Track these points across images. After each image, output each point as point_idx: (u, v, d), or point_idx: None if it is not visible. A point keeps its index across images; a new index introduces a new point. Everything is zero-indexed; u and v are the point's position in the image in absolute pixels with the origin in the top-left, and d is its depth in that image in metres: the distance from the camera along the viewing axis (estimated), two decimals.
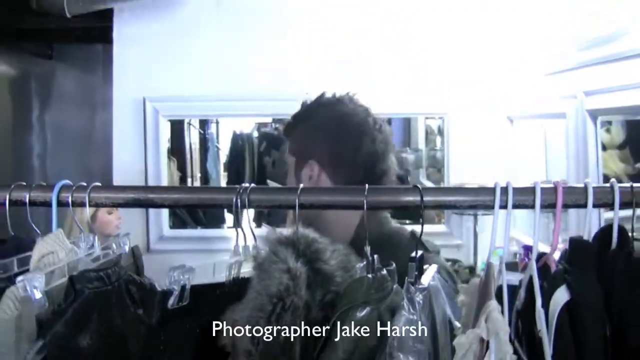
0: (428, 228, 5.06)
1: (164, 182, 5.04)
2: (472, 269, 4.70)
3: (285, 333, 1.16)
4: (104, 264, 1.42)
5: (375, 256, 1.32)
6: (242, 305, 1.18)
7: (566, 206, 1.30)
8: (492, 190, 1.29)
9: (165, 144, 5.06)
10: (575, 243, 1.29)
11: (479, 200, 1.31)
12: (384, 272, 1.29)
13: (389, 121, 6.08)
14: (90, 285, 1.29)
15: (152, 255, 4.98)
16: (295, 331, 1.16)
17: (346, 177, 1.89)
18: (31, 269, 1.36)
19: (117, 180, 5.03)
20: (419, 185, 1.31)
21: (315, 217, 1.70)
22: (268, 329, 1.14)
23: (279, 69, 4.94)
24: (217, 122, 6.77)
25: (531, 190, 1.29)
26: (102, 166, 6.34)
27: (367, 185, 1.31)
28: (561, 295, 1.23)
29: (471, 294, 1.44)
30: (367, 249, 1.31)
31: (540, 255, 1.38)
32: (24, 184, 1.43)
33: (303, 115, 2.06)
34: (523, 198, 1.29)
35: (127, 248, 1.52)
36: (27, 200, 1.41)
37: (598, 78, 3.46)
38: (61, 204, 1.40)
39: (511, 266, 3.89)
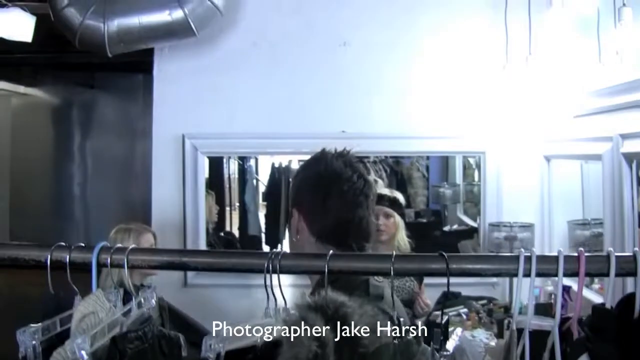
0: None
1: (202, 216, 5.12)
2: (506, 309, 4.68)
3: None
4: (138, 320, 1.46)
5: (402, 319, 1.36)
6: None
7: (589, 275, 1.32)
8: (515, 259, 1.32)
9: (203, 178, 5.14)
10: (598, 312, 1.31)
11: (503, 269, 1.34)
12: (410, 338, 1.32)
13: (427, 158, 6.13)
14: (131, 345, 1.35)
15: (189, 289, 5.05)
16: None
17: (319, 225, 2.06)
18: (73, 328, 1.41)
19: (155, 214, 5.12)
20: (444, 254, 1.34)
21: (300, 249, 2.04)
22: None
23: (317, 107, 5.02)
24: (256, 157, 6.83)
25: (554, 259, 1.31)
26: (141, 194, 6.43)
27: (394, 252, 1.35)
28: None
29: (497, 356, 1.46)
30: (395, 314, 1.34)
31: (564, 319, 1.39)
32: (64, 244, 1.48)
33: (299, 169, 2.28)
34: (546, 267, 1.32)
35: (154, 302, 1.56)
36: (67, 261, 1.46)
37: (633, 122, 3.47)
38: (100, 265, 1.45)
39: (546, 307, 3.89)
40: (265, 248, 6.79)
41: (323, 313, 1.30)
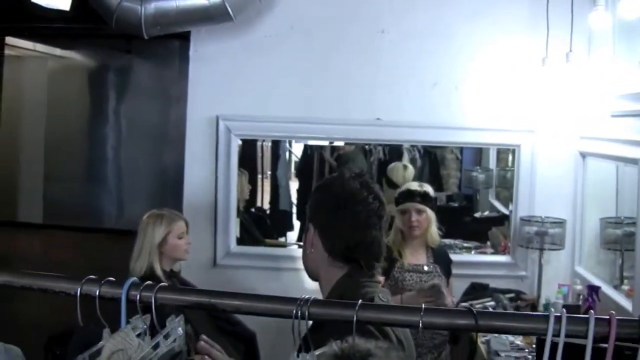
0: (493, 258, 5.12)
1: (234, 196, 5.15)
2: (533, 305, 4.68)
3: None
4: (167, 355, 1.48)
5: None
6: None
7: (619, 339, 1.31)
8: (545, 319, 1.31)
9: (235, 160, 5.15)
10: None
11: (531, 328, 1.34)
12: None
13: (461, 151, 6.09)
14: None
15: (218, 269, 5.10)
16: None
17: (331, 243, 2.17)
18: None
19: (187, 193, 5.16)
20: (473, 309, 1.34)
21: (315, 268, 2.23)
22: None
23: (353, 94, 5.00)
24: None
25: (584, 321, 1.30)
26: (174, 159, 6.47)
27: (423, 306, 1.35)
28: None
29: None
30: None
31: None
32: (94, 277, 1.50)
33: (317, 189, 2.34)
34: (576, 328, 1.31)
35: (180, 330, 1.57)
36: (97, 294, 1.48)
37: None
38: (129, 300, 1.46)
39: (574, 309, 3.89)
40: (296, 223, 6.82)
41: None
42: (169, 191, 6.52)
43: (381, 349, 1.38)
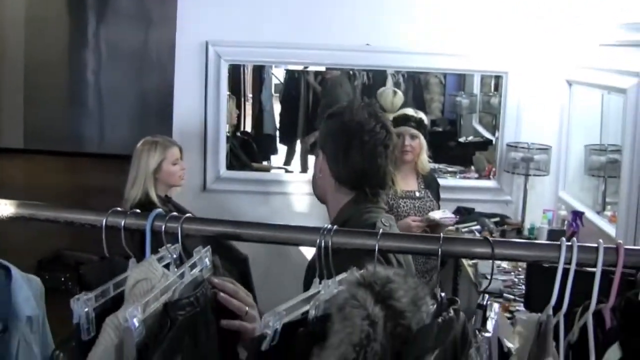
0: (479, 183, 5.20)
1: (223, 122, 5.20)
2: (519, 230, 4.80)
3: None
4: (191, 285, 1.52)
5: (443, 294, 1.44)
6: (326, 351, 1.29)
7: (626, 267, 1.39)
8: (557, 247, 1.38)
9: (225, 86, 5.17)
10: (631, 304, 1.38)
11: (544, 256, 1.41)
12: (451, 314, 1.40)
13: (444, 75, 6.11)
14: (182, 312, 1.41)
15: (208, 194, 5.16)
16: None
17: (338, 170, 2.28)
18: (126, 294, 1.46)
19: (177, 119, 5.17)
20: (489, 238, 1.41)
21: (322, 192, 2.35)
22: None
23: (342, 19, 4.99)
24: None
25: (594, 250, 1.37)
26: (159, 84, 6.46)
27: (442, 235, 1.41)
28: (614, 354, 1.33)
29: (529, 329, 1.54)
30: (438, 290, 1.42)
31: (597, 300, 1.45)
32: (120, 209, 1.54)
33: (327, 117, 2.41)
34: (586, 256, 1.38)
35: (207, 261, 1.61)
36: (122, 225, 1.52)
37: None
38: (154, 232, 1.51)
39: (559, 234, 4.00)
40: (280, 147, 6.87)
41: (371, 290, 1.37)
42: (153, 116, 6.51)
43: (399, 275, 1.44)
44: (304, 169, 6.51)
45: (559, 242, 1.41)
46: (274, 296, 1.46)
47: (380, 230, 1.44)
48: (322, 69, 6.23)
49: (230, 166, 5.35)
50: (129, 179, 3.99)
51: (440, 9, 4.98)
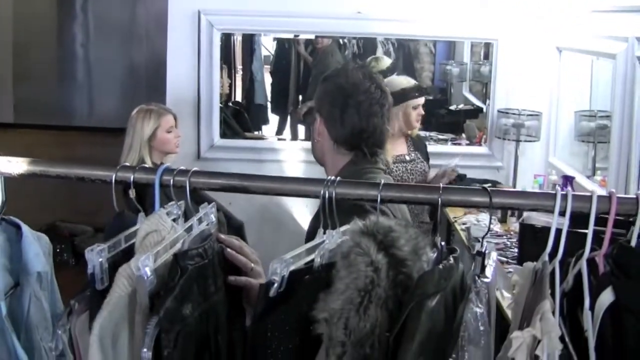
0: (470, 149, 5.25)
1: (216, 90, 5.23)
2: None
3: (371, 322, 1.34)
4: (199, 237, 1.57)
5: (443, 243, 1.49)
6: (332, 296, 1.35)
7: (618, 215, 1.44)
8: (552, 196, 1.43)
9: (218, 55, 5.18)
10: (624, 249, 1.43)
11: (540, 205, 1.46)
12: (451, 261, 1.45)
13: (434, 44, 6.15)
14: (192, 262, 1.46)
15: (202, 162, 5.18)
16: (378, 319, 1.35)
17: (336, 132, 2.33)
18: (137, 246, 1.50)
19: (170, 89, 5.19)
20: (487, 188, 1.46)
21: (321, 155, 2.40)
22: (357, 320, 1.33)
23: None
24: None
25: (588, 199, 1.42)
26: (149, 56, 6.47)
27: (441, 185, 1.47)
28: (607, 297, 1.38)
29: (525, 277, 1.59)
30: (438, 239, 1.48)
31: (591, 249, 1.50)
32: (128, 164, 1.58)
33: (323, 80, 2.46)
34: (580, 205, 1.43)
35: (213, 217, 1.65)
36: (132, 180, 1.57)
37: None
38: (163, 185, 1.55)
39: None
40: (272, 117, 6.91)
41: (374, 238, 1.42)
42: (144, 89, 6.52)
43: (400, 225, 1.50)
44: (295, 138, 6.57)
45: (554, 192, 1.47)
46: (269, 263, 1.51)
47: (382, 182, 1.49)
48: (313, 37, 6.26)
49: (223, 135, 5.38)
50: (124, 147, 4.03)
51: None
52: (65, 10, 7.11)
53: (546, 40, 4.97)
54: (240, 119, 6.33)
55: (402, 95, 4.26)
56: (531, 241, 3.33)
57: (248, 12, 5.02)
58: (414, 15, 5.00)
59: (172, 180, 1.57)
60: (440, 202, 1.46)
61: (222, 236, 1.70)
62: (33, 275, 1.75)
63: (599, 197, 1.44)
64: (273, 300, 1.39)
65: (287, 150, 5.31)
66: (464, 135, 5.97)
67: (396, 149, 4.33)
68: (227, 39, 5.84)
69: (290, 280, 1.42)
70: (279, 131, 6.91)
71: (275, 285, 1.38)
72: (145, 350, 1.34)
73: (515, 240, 4.03)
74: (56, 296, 1.89)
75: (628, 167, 3.88)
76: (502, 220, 4.50)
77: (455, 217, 4.61)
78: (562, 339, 1.32)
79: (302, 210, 5.04)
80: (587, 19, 4.44)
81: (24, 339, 1.73)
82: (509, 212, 4.42)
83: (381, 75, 2.46)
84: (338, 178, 1.50)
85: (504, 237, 4.22)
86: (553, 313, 1.35)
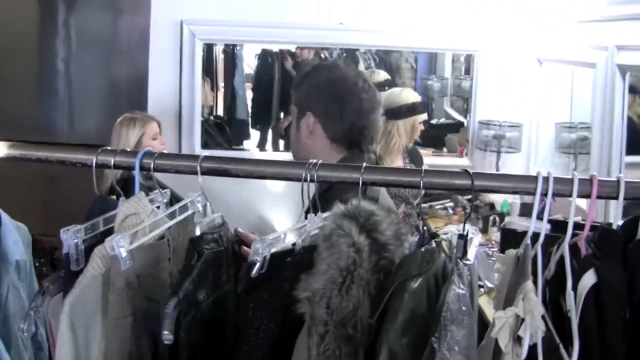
0: (450, 161, 5.27)
1: (198, 100, 5.23)
2: (492, 206, 4.86)
3: (354, 302, 1.34)
4: (212, 224, 1.56)
5: (425, 228, 1.49)
6: (315, 276, 1.35)
7: (600, 197, 1.44)
8: (534, 179, 1.44)
9: (200, 65, 5.18)
10: (605, 232, 1.44)
11: (521, 187, 1.46)
12: (433, 245, 1.45)
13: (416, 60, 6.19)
14: (208, 246, 1.46)
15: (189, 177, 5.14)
16: (360, 300, 1.35)
17: (334, 128, 2.26)
18: (116, 228, 1.49)
19: (152, 99, 5.17)
20: (469, 171, 1.46)
21: (313, 154, 2.13)
22: (340, 299, 1.33)
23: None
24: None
25: (569, 181, 1.43)
26: (127, 73, 6.43)
27: (423, 168, 1.47)
28: (589, 279, 1.38)
29: (507, 264, 1.60)
30: (420, 222, 1.47)
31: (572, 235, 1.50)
32: (109, 148, 1.57)
33: (308, 75, 2.38)
34: (561, 187, 1.43)
35: (200, 206, 1.64)
36: (112, 164, 1.56)
37: (630, 34, 3.56)
38: (143, 169, 1.54)
39: (529, 207, 4.10)
40: (253, 132, 6.90)
41: (356, 221, 1.42)
42: (125, 104, 6.48)
43: (382, 209, 1.50)
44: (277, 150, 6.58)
45: (535, 175, 1.47)
46: None
47: (364, 165, 1.48)
48: (294, 48, 6.28)
49: (205, 146, 5.36)
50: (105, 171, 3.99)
51: None
52: (46, 24, 7.07)
53: (527, 52, 5.00)
54: (223, 133, 6.32)
55: (413, 109, 4.31)
56: (513, 245, 3.32)
57: (230, 22, 5.02)
58: (395, 26, 5.02)
59: (152, 164, 1.56)
60: (422, 184, 1.46)
61: (240, 230, 1.71)
62: (12, 263, 1.74)
63: (580, 179, 1.45)
64: (256, 280, 1.38)
65: None
66: (445, 149, 5.99)
67: (396, 162, 4.35)
68: (209, 52, 5.84)
69: (272, 263, 1.42)
70: (261, 146, 6.90)
71: (258, 265, 1.37)
72: (166, 332, 1.32)
73: (496, 249, 4.03)
74: (34, 287, 1.87)
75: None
76: (484, 231, 4.51)
77: (437, 227, 4.61)
78: (545, 324, 1.32)
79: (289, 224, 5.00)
80: (567, 29, 4.48)
81: (0, 326, 1.71)
82: (490, 222, 4.43)
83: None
84: (319, 161, 1.49)
85: (486, 246, 4.23)
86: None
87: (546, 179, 1.45)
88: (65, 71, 7.02)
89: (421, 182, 1.46)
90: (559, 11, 4.58)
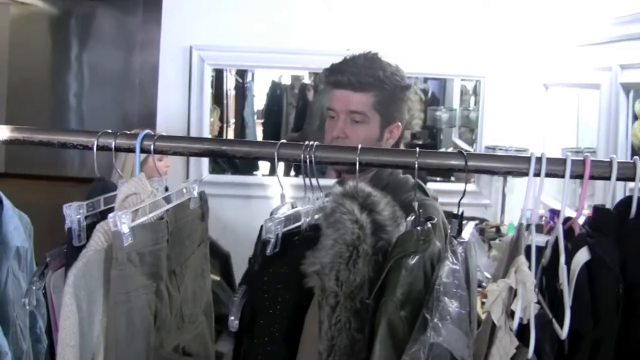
0: (458, 187, 5.26)
1: (206, 124, 5.25)
2: (498, 229, 4.85)
3: (360, 277, 1.37)
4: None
5: (421, 211, 1.51)
6: (322, 251, 1.38)
7: (592, 177, 1.46)
8: (527, 159, 1.45)
9: (209, 90, 5.23)
10: (599, 211, 1.45)
11: (515, 167, 1.48)
12: (429, 225, 1.46)
13: (425, 80, 6.23)
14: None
15: None
16: (366, 273, 1.39)
17: (401, 134, 2.38)
18: (116, 207, 1.52)
19: (160, 125, 5.21)
20: (463, 151, 1.47)
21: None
22: (348, 273, 1.36)
23: (324, 24, 5.08)
24: (252, 73, 6.86)
25: (562, 162, 1.45)
26: (139, 108, 6.51)
27: (417, 149, 1.48)
28: (582, 256, 1.39)
29: (503, 250, 1.60)
30: (415, 204, 1.49)
31: (567, 220, 1.52)
32: (110, 131, 1.60)
33: (385, 78, 2.38)
34: (555, 168, 1.45)
35: (195, 193, 1.67)
36: (113, 146, 1.58)
37: (633, 53, 3.58)
38: (143, 150, 1.56)
39: (537, 228, 4.06)
40: (262, 164, 6.92)
41: (356, 200, 1.44)
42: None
43: (379, 191, 1.52)
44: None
45: (529, 155, 1.48)
46: None
47: (360, 146, 1.50)
48: (306, 76, 6.34)
49: (212, 171, 5.39)
50: (113, 173, 4.01)
51: (419, 14, 5.08)
52: (60, 59, 7.18)
53: (533, 77, 5.03)
54: (231, 163, 6.35)
55: None
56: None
57: (239, 48, 5.08)
58: (402, 52, 5.05)
59: (152, 146, 1.58)
60: (417, 165, 1.48)
61: None
62: (12, 249, 1.75)
63: (573, 160, 1.46)
64: (270, 259, 1.42)
65: (277, 186, 5.28)
66: (452, 179, 5.99)
67: None
68: (218, 80, 5.89)
69: (282, 242, 1.45)
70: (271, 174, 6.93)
71: (271, 243, 1.41)
72: (232, 318, 1.37)
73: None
74: None
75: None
76: None
77: None
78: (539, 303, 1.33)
79: None
80: (572, 53, 4.51)
81: None
82: None
83: None
84: (316, 143, 1.51)
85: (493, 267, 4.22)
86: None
87: (539, 159, 1.47)
88: (77, 106, 7.12)
89: (416, 162, 1.47)
90: (564, 35, 4.61)
